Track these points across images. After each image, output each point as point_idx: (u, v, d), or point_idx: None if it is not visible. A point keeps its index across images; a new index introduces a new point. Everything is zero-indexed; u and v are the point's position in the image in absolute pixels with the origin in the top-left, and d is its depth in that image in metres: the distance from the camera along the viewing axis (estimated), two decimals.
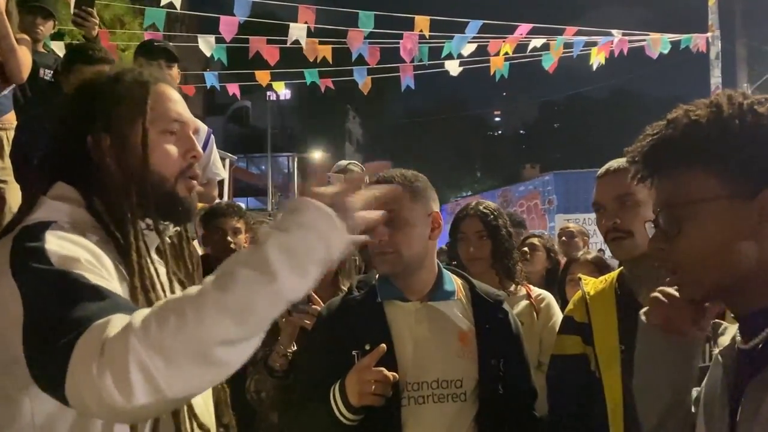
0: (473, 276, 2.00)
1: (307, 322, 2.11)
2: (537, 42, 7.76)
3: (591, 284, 1.93)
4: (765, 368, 0.98)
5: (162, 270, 1.27)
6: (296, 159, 29.05)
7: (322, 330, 1.85)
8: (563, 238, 4.97)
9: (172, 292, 1.25)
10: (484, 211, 2.79)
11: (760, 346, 1.02)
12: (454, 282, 1.88)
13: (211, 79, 7.31)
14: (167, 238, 1.32)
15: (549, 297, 2.86)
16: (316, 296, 2.15)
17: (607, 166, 1.88)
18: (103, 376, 0.87)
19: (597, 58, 8.24)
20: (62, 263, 1.04)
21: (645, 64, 11.41)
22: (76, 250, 1.08)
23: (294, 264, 0.92)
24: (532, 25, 7.57)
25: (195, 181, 1.30)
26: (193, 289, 0.94)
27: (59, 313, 0.96)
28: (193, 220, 1.36)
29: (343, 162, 3.80)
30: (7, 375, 1.04)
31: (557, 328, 2.71)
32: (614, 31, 8.60)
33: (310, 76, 7.43)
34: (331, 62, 6.87)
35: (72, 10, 3.59)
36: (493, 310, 1.85)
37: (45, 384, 0.97)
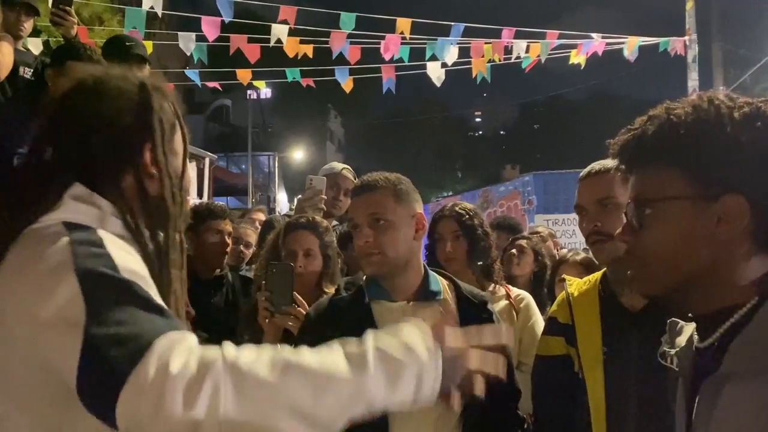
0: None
1: (291, 323, 2.12)
2: (521, 46, 7.81)
3: (575, 285, 1.95)
4: (719, 367, 1.00)
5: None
6: (277, 158, 28.90)
7: (311, 330, 1.87)
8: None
9: None
10: (459, 211, 2.83)
11: (716, 345, 1.05)
12: (439, 283, 1.91)
13: (192, 75, 7.25)
14: None
15: (528, 297, 2.89)
16: (300, 298, 2.16)
17: (588, 168, 1.89)
18: (174, 379, 0.87)
19: (577, 59, 8.32)
20: (127, 273, 1.01)
21: (624, 67, 11.52)
22: (135, 261, 1.07)
23: (390, 382, 0.97)
24: (515, 29, 7.62)
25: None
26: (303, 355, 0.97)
27: (129, 326, 0.93)
28: None
29: (337, 165, 3.78)
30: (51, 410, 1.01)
31: (536, 329, 2.75)
32: (594, 35, 8.69)
33: (292, 73, 7.40)
34: (311, 57, 6.85)
35: (50, 8, 3.51)
36: (478, 310, 1.88)
37: (96, 391, 0.92)
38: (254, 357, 0.93)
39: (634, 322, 1.76)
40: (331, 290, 2.38)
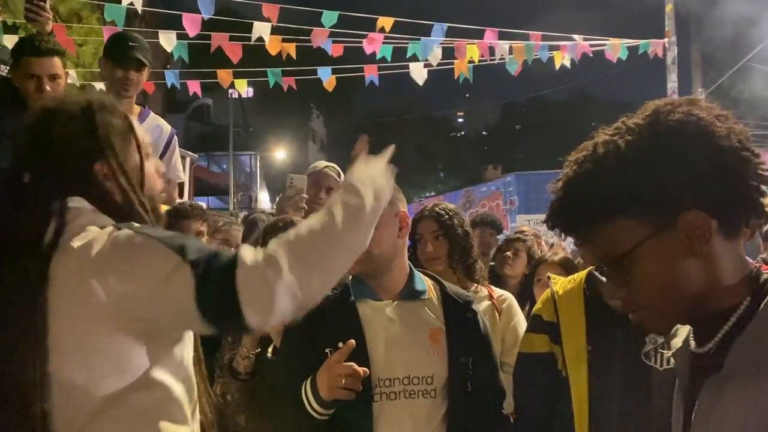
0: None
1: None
2: (504, 47, 7.83)
3: (560, 284, 1.96)
4: (720, 369, 1.00)
5: None
6: (259, 158, 28.75)
7: (296, 329, 1.86)
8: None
9: None
10: (439, 211, 2.84)
11: (713, 350, 1.05)
12: (424, 282, 1.91)
13: (171, 77, 7.18)
14: None
15: (510, 298, 2.90)
16: None
17: None
18: (262, 261, 1.21)
19: (563, 61, 8.37)
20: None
21: (604, 68, 11.63)
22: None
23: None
24: (498, 30, 7.65)
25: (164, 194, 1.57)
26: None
27: (209, 249, 1.25)
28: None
29: (320, 163, 3.75)
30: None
31: (519, 329, 2.76)
32: (576, 36, 8.75)
33: (274, 76, 7.35)
34: (294, 58, 6.82)
35: (24, 4, 3.44)
36: (462, 310, 1.89)
37: (221, 304, 1.20)
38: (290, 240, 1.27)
39: (619, 321, 1.75)
40: None
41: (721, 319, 1.04)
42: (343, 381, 1.66)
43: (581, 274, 1.96)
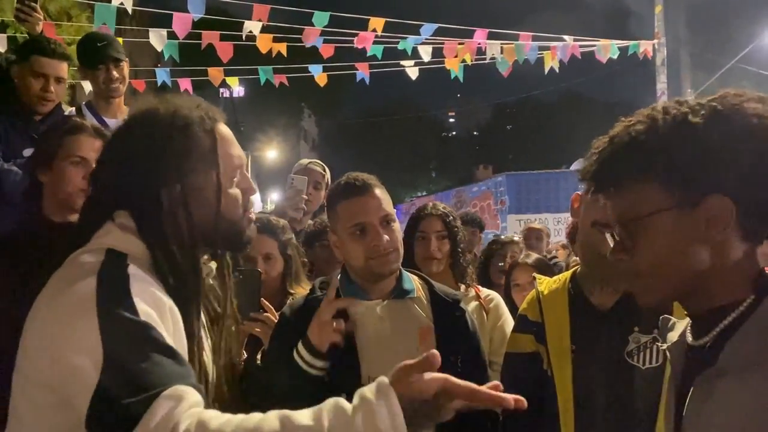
0: (429, 276, 2.03)
1: (258, 330, 2.09)
2: (494, 48, 7.86)
3: (545, 284, 1.97)
4: (713, 365, 1.02)
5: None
6: (250, 157, 28.65)
7: (286, 329, 1.87)
8: (532, 239, 5.07)
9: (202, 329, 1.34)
10: (445, 211, 2.84)
11: (710, 344, 1.06)
12: (412, 281, 1.92)
13: (162, 74, 7.15)
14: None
15: (497, 298, 2.92)
16: (267, 303, 2.13)
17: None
18: None
19: (552, 63, 8.40)
20: (147, 317, 1.09)
21: (594, 69, 11.69)
22: (157, 302, 1.15)
23: None
24: (488, 30, 7.67)
25: (252, 214, 1.41)
26: (269, 424, 0.98)
27: (138, 372, 1.02)
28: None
29: (304, 161, 3.76)
30: (59, 416, 1.08)
31: (506, 328, 2.77)
32: (566, 37, 8.78)
33: (265, 74, 7.34)
34: (285, 55, 6.81)
35: (15, 4, 3.43)
36: (451, 308, 1.90)
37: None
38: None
39: (603, 320, 1.79)
40: (298, 290, 2.36)
41: (721, 314, 1.05)
42: (334, 324, 1.69)
43: (566, 275, 1.97)
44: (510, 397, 1.08)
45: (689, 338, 1.13)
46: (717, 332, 1.05)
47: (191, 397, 1.02)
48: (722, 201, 1.00)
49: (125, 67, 3.26)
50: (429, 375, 1.06)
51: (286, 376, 1.75)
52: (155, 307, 1.12)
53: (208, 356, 1.37)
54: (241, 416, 1.02)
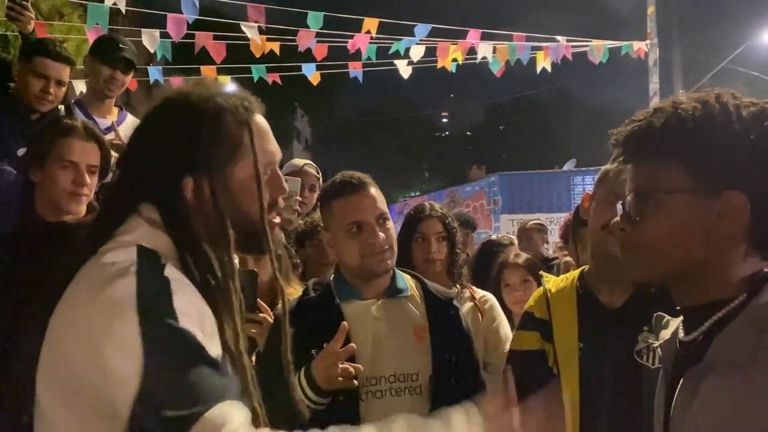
0: (427, 277, 2.04)
1: (254, 330, 2.09)
2: (487, 49, 7.88)
3: (552, 282, 1.96)
4: (702, 359, 1.03)
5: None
6: None
7: (280, 332, 1.85)
8: (529, 237, 5.06)
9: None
10: (444, 213, 2.84)
11: (700, 338, 1.07)
12: (406, 280, 1.93)
13: (155, 73, 7.13)
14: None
15: (492, 299, 2.92)
16: (263, 304, 2.13)
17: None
18: None
19: (543, 64, 8.43)
20: (188, 323, 1.03)
21: (587, 69, 11.74)
22: (198, 308, 1.08)
23: None
24: (481, 30, 7.69)
25: (278, 217, 1.32)
26: None
27: (180, 383, 0.98)
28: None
29: (298, 162, 3.76)
30: (102, 424, 1.01)
31: (501, 329, 2.78)
32: (559, 38, 8.81)
33: (258, 71, 7.33)
34: (278, 54, 6.80)
35: (6, 2, 3.42)
36: (444, 307, 1.91)
37: None
38: None
39: (612, 319, 1.77)
40: (288, 290, 2.36)
41: (712, 310, 1.06)
42: (340, 369, 1.67)
43: (574, 274, 1.95)
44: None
45: (680, 334, 1.14)
46: (706, 327, 1.06)
47: (237, 416, 0.99)
48: (740, 198, 1.02)
49: (130, 76, 3.33)
50: None
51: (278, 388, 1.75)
52: (196, 314, 1.06)
53: (247, 362, 1.28)
54: None
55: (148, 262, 1.08)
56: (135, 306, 1.00)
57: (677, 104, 1.08)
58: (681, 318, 1.17)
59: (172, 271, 1.09)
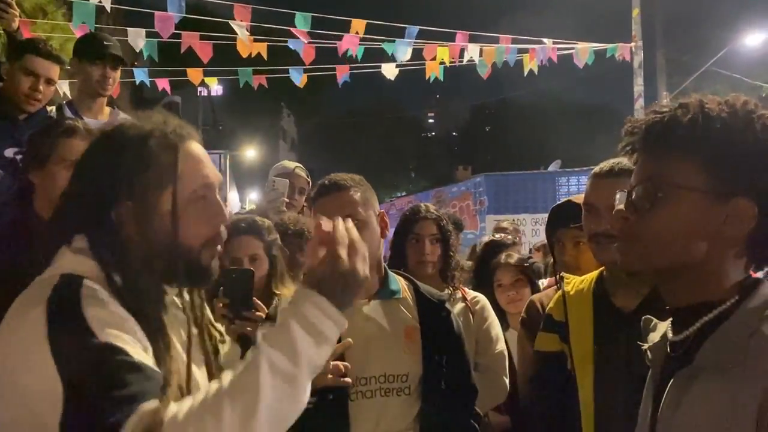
0: (420, 279, 2.04)
1: (249, 329, 2.09)
2: (474, 51, 7.90)
3: (572, 284, 1.95)
4: (691, 361, 1.04)
5: (179, 323, 1.27)
6: (228, 157, 28.39)
7: None
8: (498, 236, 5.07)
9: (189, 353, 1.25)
10: (439, 215, 2.85)
11: (690, 339, 1.08)
12: (398, 281, 1.93)
13: (141, 74, 7.07)
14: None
15: (483, 300, 2.93)
16: (259, 302, 2.12)
17: (609, 166, 1.84)
18: None
19: (530, 66, 8.47)
20: (104, 333, 1.02)
21: (573, 71, 11.81)
22: (115, 317, 1.07)
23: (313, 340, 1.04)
24: (469, 33, 7.71)
25: (219, 247, 1.26)
26: (226, 380, 1.01)
27: (104, 394, 0.96)
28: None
29: (290, 164, 3.75)
30: None
31: (492, 330, 2.80)
32: (546, 40, 8.86)
33: (244, 75, 7.30)
34: (266, 58, 6.78)
35: None
36: (436, 308, 1.91)
37: None
38: (196, 413, 0.98)
39: (626, 322, 1.75)
40: (282, 291, 2.36)
41: (702, 311, 1.07)
42: (331, 365, 1.66)
43: (593, 275, 1.94)
44: None
45: (669, 334, 1.15)
46: (697, 328, 1.07)
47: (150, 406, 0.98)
48: (750, 205, 1.03)
49: (119, 73, 3.31)
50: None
51: None
52: (115, 322, 1.05)
53: (200, 374, 1.27)
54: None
55: (66, 286, 1.08)
56: (45, 333, 1.00)
57: (704, 103, 1.09)
58: (669, 321, 1.18)
59: (89, 290, 1.08)
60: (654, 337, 1.21)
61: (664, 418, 1.08)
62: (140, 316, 1.12)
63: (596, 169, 1.86)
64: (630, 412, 1.68)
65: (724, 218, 1.04)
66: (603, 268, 1.92)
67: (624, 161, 1.80)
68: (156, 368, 1.07)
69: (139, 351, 1.05)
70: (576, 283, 1.95)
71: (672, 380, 1.07)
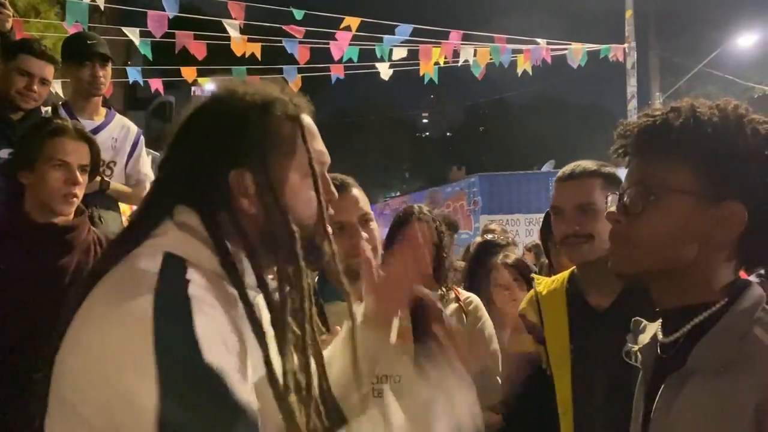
0: None
1: None
2: (468, 51, 7.92)
3: (543, 284, 1.96)
4: (684, 363, 1.04)
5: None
6: None
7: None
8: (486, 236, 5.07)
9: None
10: (431, 215, 2.84)
11: (681, 341, 1.09)
12: None
13: (134, 73, 7.05)
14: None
15: (476, 300, 2.93)
16: None
17: (569, 170, 1.86)
18: None
19: (524, 66, 8.49)
20: (211, 355, 0.88)
21: (567, 72, 11.84)
22: (224, 333, 0.93)
23: None
24: (462, 32, 7.73)
25: (329, 227, 1.15)
26: None
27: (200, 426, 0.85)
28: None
29: None
30: None
31: (485, 330, 2.79)
32: (539, 40, 8.88)
33: (238, 75, 7.29)
34: (260, 59, 6.77)
35: None
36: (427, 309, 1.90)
37: None
38: None
39: (601, 321, 1.77)
40: None
41: (692, 313, 1.07)
42: None
43: (564, 275, 1.95)
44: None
45: (660, 336, 1.15)
46: (688, 329, 1.08)
47: None
48: (740, 209, 1.04)
49: (109, 69, 3.29)
50: None
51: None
52: (222, 339, 0.92)
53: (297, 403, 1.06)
54: None
55: (171, 274, 0.95)
56: (152, 331, 0.87)
57: (695, 107, 1.09)
58: (659, 322, 1.18)
59: (196, 287, 0.95)
60: (644, 338, 1.21)
61: (656, 419, 1.08)
62: (252, 312, 1.00)
63: (559, 173, 1.88)
64: (608, 411, 1.69)
65: (714, 221, 1.05)
66: (574, 267, 1.93)
67: (585, 163, 1.84)
68: (254, 409, 0.92)
69: (241, 382, 0.92)
70: (547, 283, 1.96)
71: (665, 382, 1.07)
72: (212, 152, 1.05)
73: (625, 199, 1.12)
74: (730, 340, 1.01)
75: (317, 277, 1.92)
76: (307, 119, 1.15)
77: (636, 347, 1.22)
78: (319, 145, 1.16)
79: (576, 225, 1.77)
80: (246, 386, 0.93)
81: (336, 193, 1.18)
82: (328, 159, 1.18)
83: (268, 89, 1.12)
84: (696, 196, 1.06)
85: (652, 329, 1.21)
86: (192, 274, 0.96)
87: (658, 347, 1.16)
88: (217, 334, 0.92)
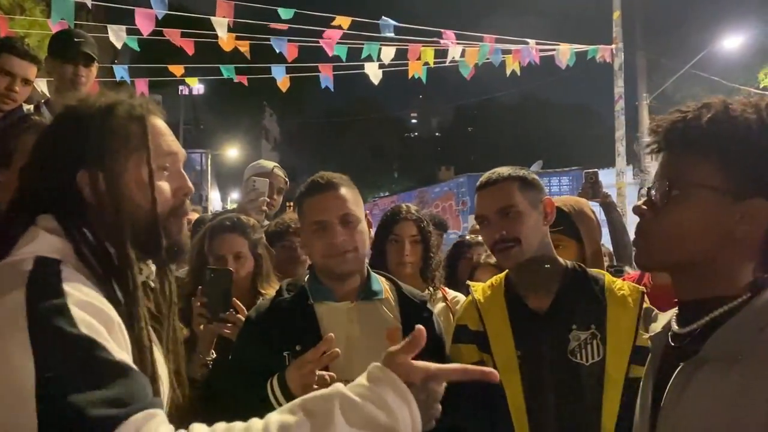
0: (400, 279, 2.03)
1: (227, 331, 2.07)
2: (457, 50, 7.92)
3: (480, 290, 1.96)
4: (697, 354, 1.05)
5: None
6: (209, 156, 28.26)
7: (252, 331, 1.85)
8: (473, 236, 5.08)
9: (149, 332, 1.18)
10: (419, 215, 2.84)
11: (697, 331, 1.09)
12: (380, 282, 1.92)
13: (121, 71, 6.99)
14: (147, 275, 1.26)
15: (463, 299, 2.93)
16: (239, 304, 2.10)
17: (485, 178, 1.89)
18: None
19: (512, 66, 8.51)
20: (87, 326, 0.96)
21: (554, 72, 11.90)
22: (97, 308, 1.01)
23: None
24: (454, 32, 7.73)
25: (185, 221, 1.26)
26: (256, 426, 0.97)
27: (85, 393, 0.89)
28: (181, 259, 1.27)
29: (268, 164, 3.73)
30: None
31: None
32: (529, 40, 8.91)
33: (227, 71, 7.25)
34: (249, 58, 6.74)
35: None
36: (418, 309, 1.90)
37: None
38: None
39: (542, 323, 1.79)
40: (268, 290, 2.33)
41: (712, 305, 1.08)
42: (316, 378, 1.63)
43: (499, 278, 1.96)
44: (493, 371, 1.13)
45: (674, 327, 1.16)
46: (706, 321, 1.08)
47: (157, 425, 0.92)
48: (765, 206, 1.04)
49: (94, 69, 3.24)
50: (416, 363, 1.09)
51: (250, 391, 1.72)
52: (97, 315, 0.99)
53: (162, 365, 1.21)
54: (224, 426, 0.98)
55: (44, 269, 1.02)
56: (25, 317, 0.93)
57: (727, 104, 1.10)
58: (671, 313, 1.19)
59: (69, 274, 1.03)
60: (656, 327, 1.22)
61: (667, 407, 1.09)
62: (119, 303, 1.08)
63: (477, 183, 1.90)
64: (561, 408, 1.71)
65: (738, 218, 1.05)
66: (506, 271, 1.93)
67: (500, 169, 1.87)
68: (138, 370, 1.00)
69: (119, 347, 1.00)
70: (484, 289, 1.96)
71: (678, 369, 1.08)
72: (60, 156, 1.14)
73: (652, 192, 1.13)
74: (748, 331, 1.01)
75: (307, 277, 1.90)
76: (155, 120, 1.24)
77: (647, 335, 1.24)
78: (171, 144, 1.24)
79: (502, 229, 1.79)
80: (124, 354, 1.00)
81: (191, 187, 1.26)
82: (182, 157, 1.26)
83: (116, 95, 1.22)
84: (720, 192, 1.06)
85: (663, 319, 1.22)
86: (64, 268, 1.04)
87: (669, 337, 1.16)
88: (92, 309, 1.00)
